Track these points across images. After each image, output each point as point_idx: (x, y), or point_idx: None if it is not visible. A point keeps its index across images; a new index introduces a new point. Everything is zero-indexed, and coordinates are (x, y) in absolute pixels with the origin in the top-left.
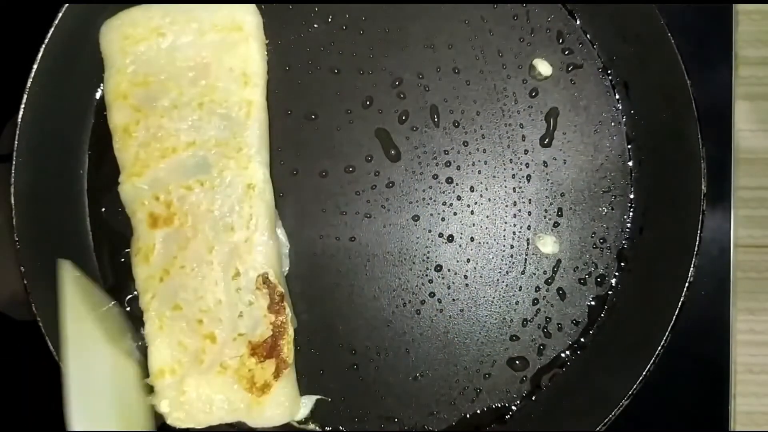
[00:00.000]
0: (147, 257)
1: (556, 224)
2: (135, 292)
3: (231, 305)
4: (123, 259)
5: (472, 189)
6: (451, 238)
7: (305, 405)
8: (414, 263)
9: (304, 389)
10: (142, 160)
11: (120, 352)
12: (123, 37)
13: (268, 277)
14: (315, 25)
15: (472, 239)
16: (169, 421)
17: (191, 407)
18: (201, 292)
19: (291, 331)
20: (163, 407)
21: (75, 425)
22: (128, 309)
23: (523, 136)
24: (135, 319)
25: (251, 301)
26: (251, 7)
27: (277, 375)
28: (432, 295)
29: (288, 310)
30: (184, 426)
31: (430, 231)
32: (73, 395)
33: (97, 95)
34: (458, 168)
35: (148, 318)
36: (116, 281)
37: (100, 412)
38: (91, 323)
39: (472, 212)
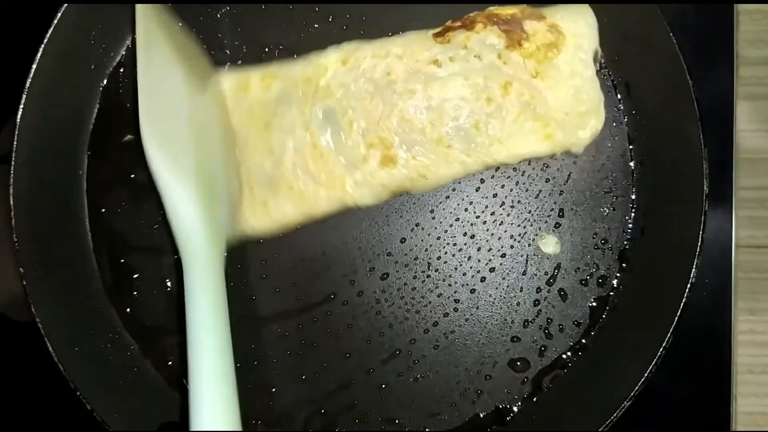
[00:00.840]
0: (429, 165)
1: (557, 225)
2: (135, 293)
3: (474, 78)
4: (123, 260)
5: (477, 189)
6: (453, 237)
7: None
8: (415, 264)
9: (304, 391)
10: None
11: (197, 78)
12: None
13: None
14: (315, 25)
15: (472, 237)
16: None
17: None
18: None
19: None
20: None
21: (148, 143)
22: (128, 311)
23: None
24: (134, 321)
25: (467, 57)
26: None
27: (540, 17)
28: (434, 294)
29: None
30: None
31: (429, 233)
32: (144, 112)
33: (97, 95)
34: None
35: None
36: (116, 282)
37: (174, 133)
38: (164, 40)
39: (473, 212)
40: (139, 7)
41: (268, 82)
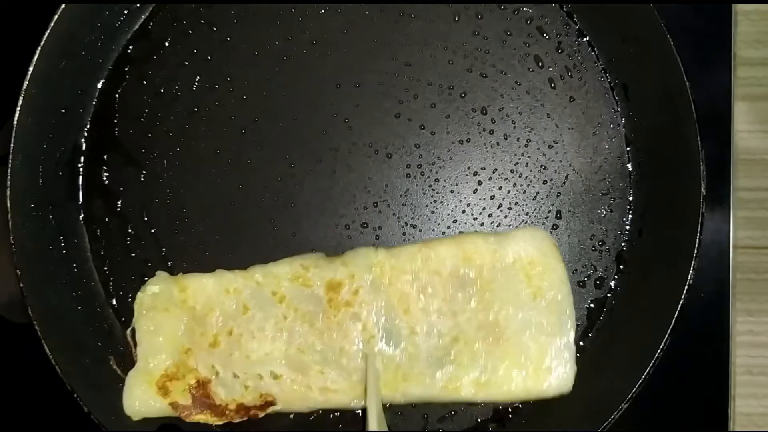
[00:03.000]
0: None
1: (554, 226)
2: (129, 299)
3: (249, 370)
4: (119, 259)
5: (474, 191)
6: None
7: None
8: None
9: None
10: None
11: None
12: (528, 261)
13: (269, 405)
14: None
15: None
16: None
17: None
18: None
19: (214, 423)
20: None
21: None
22: (126, 313)
23: (522, 138)
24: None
25: (247, 386)
26: (569, 383)
27: (174, 406)
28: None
29: (235, 421)
30: None
31: (426, 235)
32: None
33: (94, 97)
34: (459, 170)
35: None
36: (114, 282)
37: None
38: None
39: (471, 214)
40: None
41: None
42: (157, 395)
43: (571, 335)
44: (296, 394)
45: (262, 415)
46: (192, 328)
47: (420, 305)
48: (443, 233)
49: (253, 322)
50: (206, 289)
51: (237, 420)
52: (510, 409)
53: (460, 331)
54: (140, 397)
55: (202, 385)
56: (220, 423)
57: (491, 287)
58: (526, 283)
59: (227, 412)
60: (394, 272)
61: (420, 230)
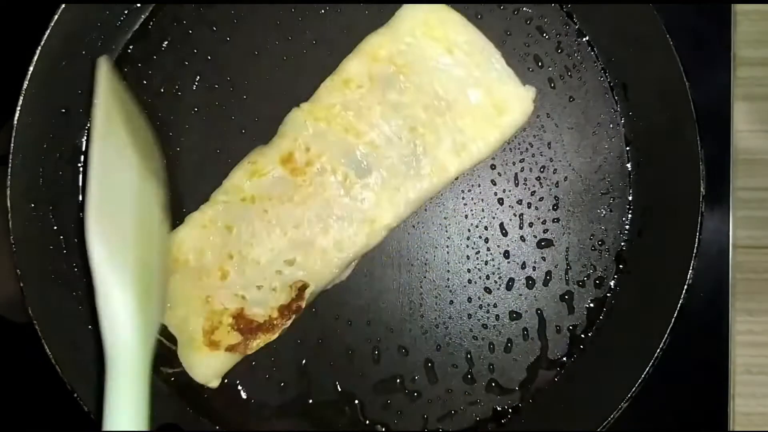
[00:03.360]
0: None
1: (554, 225)
2: None
3: (267, 273)
4: None
5: (470, 190)
6: (449, 241)
7: (217, 381)
8: (412, 266)
9: (304, 385)
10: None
11: (147, 168)
12: (423, 23)
13: (304, 288)
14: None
15: (468, 239)
16: None
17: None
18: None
19: (272, 339)
20: None
21: (92, 235)
22: None
23: (522, 138)
24: None
25: (275, 287)
26: (528, 99)
27: (230, 348)
28: (432, 296)
29: (287, 324)
30: None
31: (426, 234)
32: (92, 202)
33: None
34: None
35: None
36: None
37: (119, 227)
38: (122, 126)
39: (471, 213)
40: (101, 84)
41: None
42: (212, 353)
43: (501, 61)
44: (319, 265)
45: (304, 304)
46: (197, 278)
47: (366, 123)
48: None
49: (243, 235)
50: (186, 239)
51: (289, 322)
52: (510, 409)
53: (413, 121)
54: (202, 365)
55: (239, 316)
56: (277, 334)
57: (412, 69)
58: (436, 46)
59: (275, 322)
60: (326, 112)
61: (417, 230)
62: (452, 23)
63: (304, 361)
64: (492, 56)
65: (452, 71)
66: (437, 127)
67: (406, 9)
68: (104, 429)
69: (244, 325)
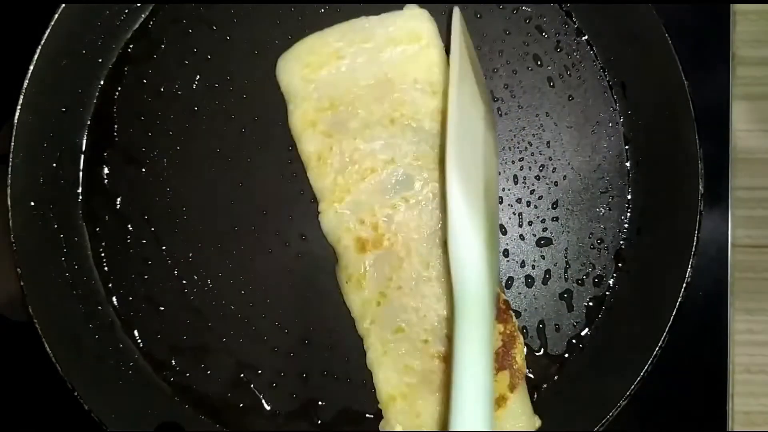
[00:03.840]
0: (360, 283)
1: (553, 223)
2: (130, 297)
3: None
4: (119, 258)
5: None
6: None
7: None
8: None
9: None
10: (341, 185)
11: (488, 119)
12: (303, 66)
13: None
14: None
15: None
16: None
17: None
18: (423, 311)
19: (521, 340)
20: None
21: (452, 180)
22: (116, 304)
23: (521, 137)
24: (125, 318)
25: None
26: (425, 14)
27: (512, 387)
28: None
29: (514, 319)
30: None
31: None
32: (452, 147)
33: (94, 96)
34: None
35: (370, 345)
36: (114, 280)
37: (472, 173)
38: (472, 74)
39: None
40: (456, 31)
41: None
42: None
43: (372, 18)
44: None
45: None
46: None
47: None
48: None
49: None
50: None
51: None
52: None
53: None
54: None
55: None
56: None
57: (346, 94)
58: (332, 63)
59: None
60: (338, 195)
61: None
62: (317, 41)
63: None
64: (363, 24)
65: (367, 66)
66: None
67: (281, 71)
68: (456, 370)
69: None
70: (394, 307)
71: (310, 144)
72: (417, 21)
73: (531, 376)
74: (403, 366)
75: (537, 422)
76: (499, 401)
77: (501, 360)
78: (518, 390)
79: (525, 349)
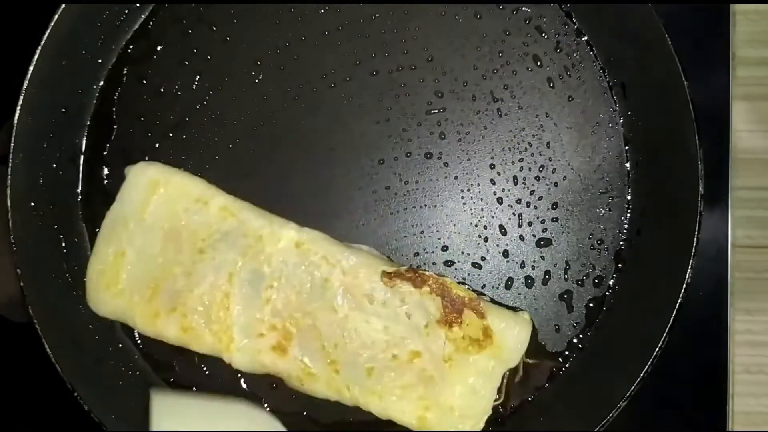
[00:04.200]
0: (311, 375)
1: (553, 224)
2: None
3: (393, 330)
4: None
5: (469, 190)
6: (448, 241)
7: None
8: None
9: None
10: (218, 328)
11: None
12: (104, 289)
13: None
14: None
15: (467, 238)
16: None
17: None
18: (369, 339)
19: (445, 279)
20: None
21: None
22: None
23: (521, 138)
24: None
25: (398, 309)
26: (140, 167)
27: (480, 313)
28: None
29: (427, 274)
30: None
31: (426, 234)
32: None
33: (94, 96)
34: (458, 169)
35: (368, 403)
36: None
37: None
38: None
39: (471, 212)
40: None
41: (226, 214)
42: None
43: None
44: None
45: None
46: None
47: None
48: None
49: None
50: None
51: None
52: (509, 409)
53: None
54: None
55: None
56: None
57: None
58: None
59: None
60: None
61: (417, 227)
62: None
63: None
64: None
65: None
66: None
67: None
68: None
69: None
70: (349, 361)
71: (168, 330)
72: (145, 171)
73: (531, 376)
74: (400, 390)
75: (526, 316)
76: (486, 332)
77: (452, 309)
78: (488, 311)
79: (453, 279)
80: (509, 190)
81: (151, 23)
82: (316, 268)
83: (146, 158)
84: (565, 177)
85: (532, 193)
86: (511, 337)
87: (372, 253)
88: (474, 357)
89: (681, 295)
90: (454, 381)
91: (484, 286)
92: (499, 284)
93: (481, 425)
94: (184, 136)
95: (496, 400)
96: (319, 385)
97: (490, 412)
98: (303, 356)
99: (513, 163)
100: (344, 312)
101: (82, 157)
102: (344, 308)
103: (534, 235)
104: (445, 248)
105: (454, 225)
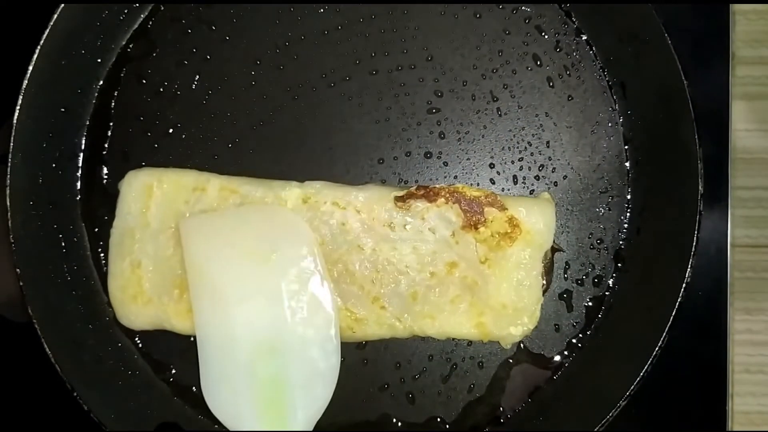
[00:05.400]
0: (360, 321)
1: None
2: None
3: (422, 248)
4: None
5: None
6: None
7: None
8: None
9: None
10: None
11: None
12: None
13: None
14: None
15: None
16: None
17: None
18: (402, 262)
19: (458, 186)
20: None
21: None
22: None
23: (521, 137)
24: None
25: (421, 228)
26: (130, 176)
27: (501, 207)
28: None
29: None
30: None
31: None
32: None
33: (93, 96)
34: (458, 169)
35: (423, 326)
36: None
37: None
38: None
39: None
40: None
41: (227, 193)
42: None
43: None
44: None
45: None
46: None
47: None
48: None
49: None
50: None
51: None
52: (510, 409)
53: None
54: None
55: None
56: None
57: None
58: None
59: None
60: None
61: None
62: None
63: None
64: None
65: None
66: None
67: None
68: None
69: None
70: (391, 293)
71: None
72: (136, 178)
73: (531, 376)
74: (448, 305)
75: (546, 195)
76: (512, 222)
77: (472, 212)
78: (507, 202)
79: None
80: (509, 190)
81: (150, 23)
82: (329, 216)
83: (145, 159)
84: (564, 176)
85: (531, 192)
86: (537, 220)
87: (379, 186)
88: (509, 251)
89: (680, 295)
90: (498, 280)
91: None
92: None
93: (537, 314)
94: (184, 136)
95: (542, 286)
96: (370, 327)
97: (542, 299)
98: (346, 304)
99: (513, 162)
100: (370, 247)
101: (81, 156)
102: (369, 244)
103: None
104: None
105: None
